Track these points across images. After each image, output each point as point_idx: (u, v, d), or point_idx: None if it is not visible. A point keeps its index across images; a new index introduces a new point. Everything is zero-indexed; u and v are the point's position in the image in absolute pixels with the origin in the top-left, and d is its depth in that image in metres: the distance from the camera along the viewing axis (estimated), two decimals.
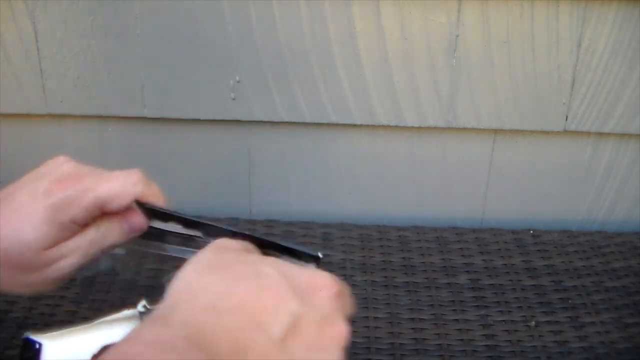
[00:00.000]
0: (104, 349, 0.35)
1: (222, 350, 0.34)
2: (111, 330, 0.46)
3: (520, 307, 0.72)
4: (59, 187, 0.46)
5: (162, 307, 0.37)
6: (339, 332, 0.41)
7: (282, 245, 0.45)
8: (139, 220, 0.49)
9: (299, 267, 0.42)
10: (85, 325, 0.48)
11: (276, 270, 0.39)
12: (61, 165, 0.48)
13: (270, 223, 0.85)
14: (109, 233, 0.48)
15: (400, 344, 0.66)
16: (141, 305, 0.49)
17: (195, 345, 0.33)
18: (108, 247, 0.48)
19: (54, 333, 0.47)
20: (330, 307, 0.41)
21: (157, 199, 0.49)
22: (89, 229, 0.47)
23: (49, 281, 0.46)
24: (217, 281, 0.38)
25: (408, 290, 0.74)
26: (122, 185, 0.47)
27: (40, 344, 0.45)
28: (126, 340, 0.32)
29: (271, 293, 0.38)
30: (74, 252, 0.46)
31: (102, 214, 0.47)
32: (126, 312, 0.48)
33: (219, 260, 0.39)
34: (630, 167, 0.88)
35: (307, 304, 0.39)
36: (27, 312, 0.67)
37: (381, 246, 0.82)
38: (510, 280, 0.76)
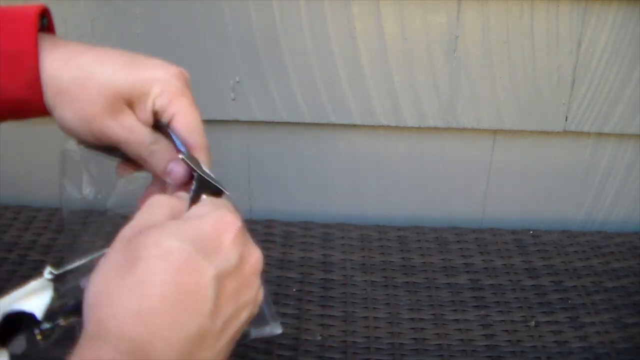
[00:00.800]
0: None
1: (159, 355, 0.35)
2: (24, 304, 0.45)
3: (520, 307, 0.72)
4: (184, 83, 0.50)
5: (89, 323, 0.37)
6: (254, 264, 0.43)
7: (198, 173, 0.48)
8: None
9: (199, 217, 0.42)
10: None
11: (180, 240, 0.39)
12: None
13: (270, 223, 0.85)
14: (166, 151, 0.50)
15: (400, 344, 0.66)
16: (47, 272, 0.47)
17: (133, 357, 0.35)
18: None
19: None
20: (239, 246, 0.42)
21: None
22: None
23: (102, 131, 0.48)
24: (132, 282, 0.38)
25: (408, 290, 0.74)
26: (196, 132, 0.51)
27: None
28: None
29: (186, 273, 0.38)
30: (140, 130, 0.48)
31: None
32: (34, 284, 0.47)
33: (126, 256, 0.39)
34: (630, 167, 0.88)
35: (221, 260, 0.40)
36: None
37: (381, 246, 0.82)
38: (510, 280, 0.76)
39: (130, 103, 0.48)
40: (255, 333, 0.58)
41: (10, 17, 0.46)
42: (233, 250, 0.41)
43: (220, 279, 0.39)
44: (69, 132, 0.48)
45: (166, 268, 0.38)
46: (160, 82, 0.48)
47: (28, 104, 0.47)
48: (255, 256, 0.43)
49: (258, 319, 0.57)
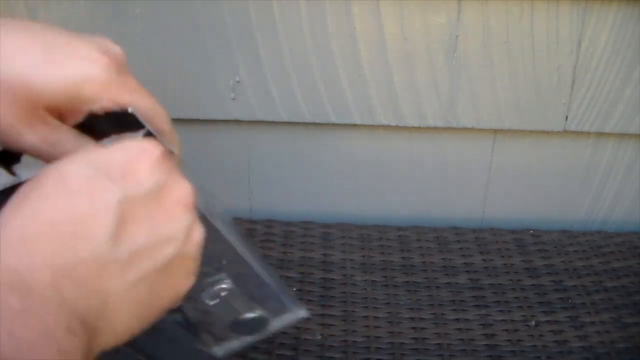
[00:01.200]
0: None
1: (41, 284, 0.32)
2: None
3: (520, 306, 0.72)
4: (115, 64, 0.42)
5: None
6: (180, 194, 0.38)
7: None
8: None
9: (112, 145, 0.38)
10: None
11: (84, 163, 0.35)
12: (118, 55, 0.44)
13: (270, 223, 0.85)
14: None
15: (400, 343, 0.66)
16: None
17: (12, 289, 0.31)
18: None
19: None
20: (159, 173, 0.37)
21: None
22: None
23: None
24: (22, 209, 0.34)
25: (408, 290, 0.74)
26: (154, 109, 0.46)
27: None
28: None
29: (82, 195, 0.34)
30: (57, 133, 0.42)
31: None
32: None
33: (29, 187, 0.35)
34: (630, 167, 0.88)
35: (131, 184, 0.36)
36: None
37: (381, 246, 0.82)
38: (510, 280, 0.76)
39: (52, 109, 0.40)
40: (277, 323, 0.53)
41: None
42: (148, 176, 0.37)
43: (127, 203, 0.35)
44: None
45: (60, 192, 0.34)
46: (90, 83, 0.40)
47: None
48: (182, 188, 0.39)
49: (275, 306, 0.52)
